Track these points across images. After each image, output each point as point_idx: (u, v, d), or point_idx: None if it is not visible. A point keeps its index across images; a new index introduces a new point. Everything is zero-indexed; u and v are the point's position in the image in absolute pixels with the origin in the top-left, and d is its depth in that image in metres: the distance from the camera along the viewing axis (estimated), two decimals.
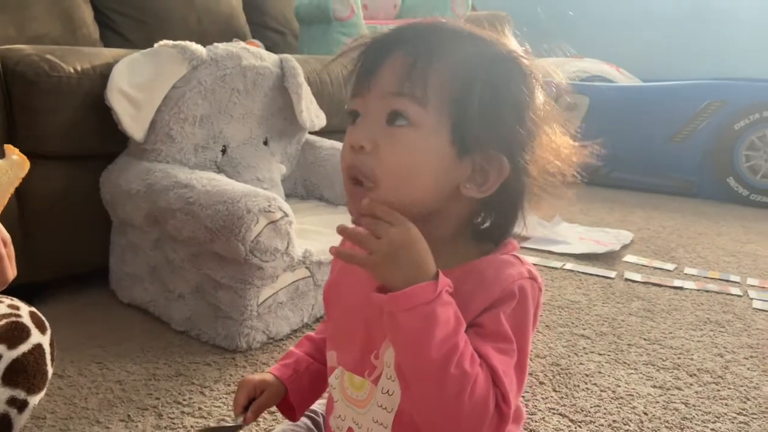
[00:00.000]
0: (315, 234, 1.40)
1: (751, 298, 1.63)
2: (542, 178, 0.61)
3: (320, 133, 1.77)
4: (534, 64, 0.60)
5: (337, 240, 1.53)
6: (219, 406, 1.01)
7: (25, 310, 0.73)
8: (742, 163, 2.70)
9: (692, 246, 2.10)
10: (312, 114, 1.65)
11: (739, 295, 1.65)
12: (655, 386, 1.15)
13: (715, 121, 2.74)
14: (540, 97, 0.60)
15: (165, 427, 0.95)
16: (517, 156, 0.58)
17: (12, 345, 0.69)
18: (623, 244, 2.04)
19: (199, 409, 1.00)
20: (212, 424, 0.72)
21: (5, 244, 0.62)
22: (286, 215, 1.20)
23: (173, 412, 0.99)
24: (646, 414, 1.06)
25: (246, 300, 1.20)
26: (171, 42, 1.37)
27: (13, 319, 0.71)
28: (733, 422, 1.04)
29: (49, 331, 0.74)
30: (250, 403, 0.72)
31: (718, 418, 1.06)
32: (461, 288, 0.56)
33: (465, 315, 0.55)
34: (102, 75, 1.31)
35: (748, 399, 1.12)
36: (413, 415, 0.57)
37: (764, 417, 1.06)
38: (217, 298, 1.22)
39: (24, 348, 0.70)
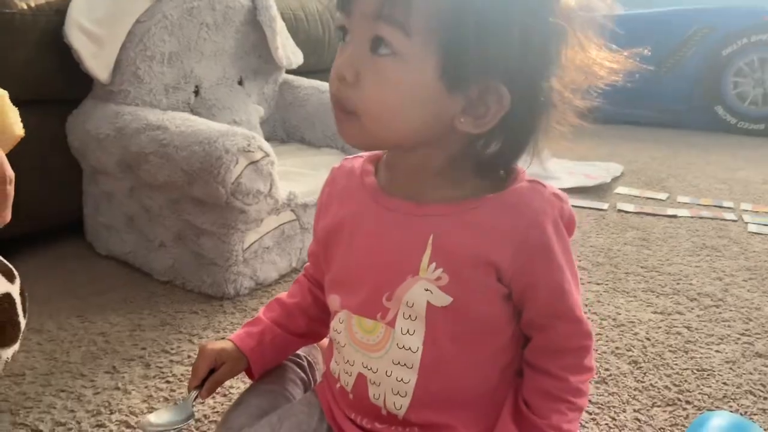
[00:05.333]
0: (298, 176, 1.34)
1: (746, 222, 1.61)
2: (563, 104, 0.53)
3: (297, 72, 1.68)
4: None
5: (321, 182, 1.45)
6: None
7: None
8: (730, 90, 2.66)
9: (683, 175, 2.07)
10: (288, 51, 1.56)
11: (734, 220, 1.63)
12: (655, 312, 1.13)
13: (703, 49, 2.68)
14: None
15: (154, 377, 0.91)
16: (525, 82, 0.51)
17: None
18: (614, 177, 2.00)
19: (189, 357, 0.96)
20: (153, 419, 0.64)
21: (9, 182, 0.57)
22: (267, 155, 1.14)
23: (161, 362, 0.94)
24: (648, 339, 1.03)
25: (230, 245, 1.14)
26: None
27: None
28: (737, 343, 1.02)
29: (18, 280, 0.68)
30: (209, 374, 0.68)
31: (722, 339, 1.03)
32: (490, 221, 0.54)
33: (501, 248, 0.54)
34: (58, 11, 1.21)
35: (750, 320, 1.10)
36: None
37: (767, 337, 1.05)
38: (199, 245, 1.16)
39: None
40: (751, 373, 0.93)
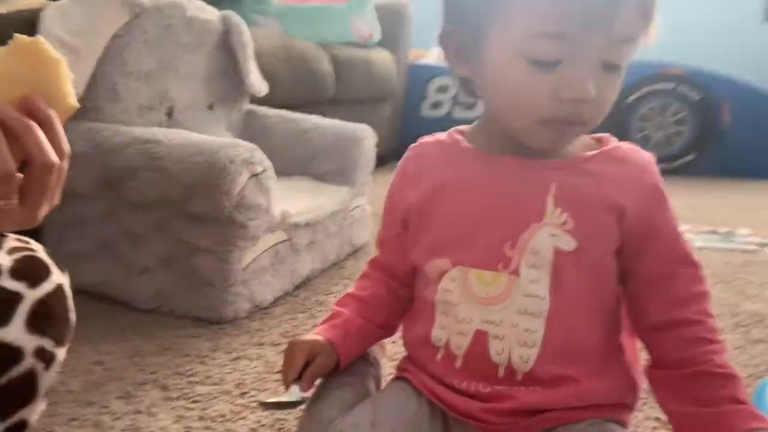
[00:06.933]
0: (281, 198, 1.29)
1: None
2: None
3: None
4: None
5: (309, 203, 1.38)
6: (229, 372, 0.89)
7: (37, 245, 0.59)
8: (635, 134, 2.92)
9: None
10: (258, 78, 1.54)
11: None
12: None
13: None
14: None
15: (177, 398, 0.81)
16: None
17: (33, 283, 0.54)
18: None
19: (208, 377, 0.87)
20: (270, 400, 0.62)
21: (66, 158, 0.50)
22: (267, 169, 1.10)
23: (179, 383, 0.85)
24: None
25: (230, 264, 1.07)
26: None
27: (29, 253, 0.56)
28: None
29: (67, 272, 0.59)
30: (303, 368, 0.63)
31: None
32: (606, 170, 0.57)
33: (623, 192, 0.56)
34: (27, 20, 1.12)
35: None
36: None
37: None
38: (194, 265, 1.08)
39: (47, 287, 0.55)
40: None
